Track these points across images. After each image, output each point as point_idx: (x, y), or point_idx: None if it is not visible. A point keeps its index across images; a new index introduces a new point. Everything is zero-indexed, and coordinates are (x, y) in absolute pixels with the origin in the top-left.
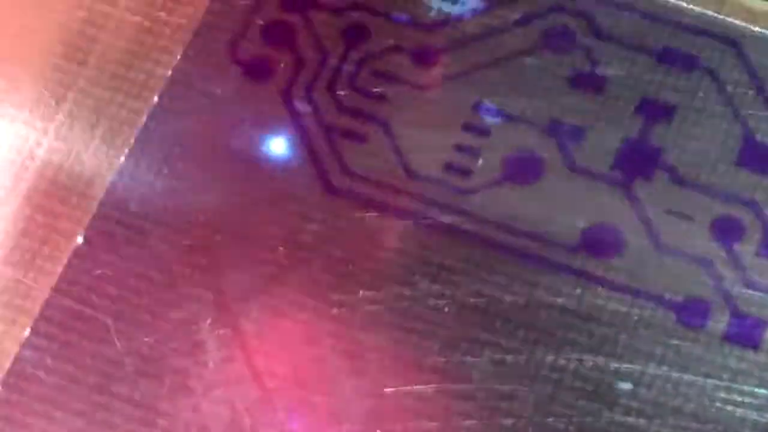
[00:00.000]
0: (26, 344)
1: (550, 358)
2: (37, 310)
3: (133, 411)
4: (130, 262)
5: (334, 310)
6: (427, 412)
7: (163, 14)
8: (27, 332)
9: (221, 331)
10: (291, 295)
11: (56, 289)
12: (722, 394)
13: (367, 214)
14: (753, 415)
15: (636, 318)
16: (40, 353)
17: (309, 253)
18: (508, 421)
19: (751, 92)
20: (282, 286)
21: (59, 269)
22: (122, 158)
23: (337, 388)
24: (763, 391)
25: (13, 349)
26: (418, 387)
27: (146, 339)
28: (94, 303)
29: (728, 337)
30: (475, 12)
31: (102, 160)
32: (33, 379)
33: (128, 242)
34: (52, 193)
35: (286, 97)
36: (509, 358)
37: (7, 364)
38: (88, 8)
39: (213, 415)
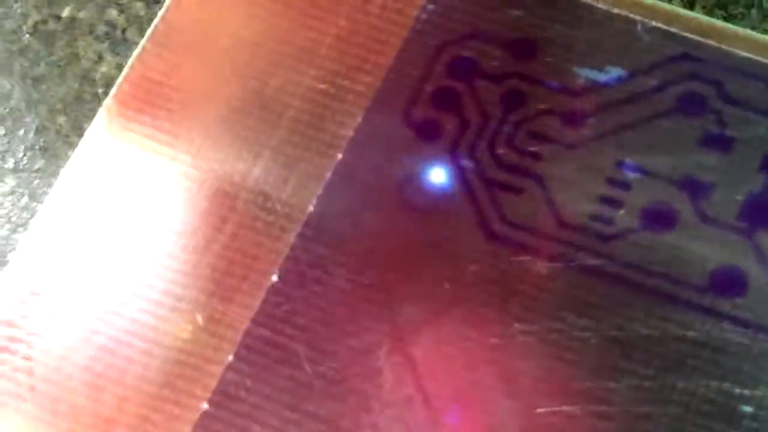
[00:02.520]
0: (229, 368)
1: (681, 384)
2: (238, 338)
3: (320, 426)
4: (317, 298)
5: (493, 341)
6: (573, 430)
7: (347, 82)
8: (230, 357)
9: (396, 359)
10: (455, 326)
11: (254, 321)
12: None
13: (522, 257)
14: None
15: (758, 350)
16: (241, 376)
17: (471, 290)
18: None
19: None
20: (448, 318)
21: (257, 303)
22: (311, 208)
23: (494, 408)
24: None
25: (218, 372)
26: (565, 408)
27: (332, 365)
28: (287, 333)
29: None
30: (618, 80)
31: (293, 210)
32: (235, 398)
33: (316, 281)
34: (250, 239)
35: (453, 154)
36: (645, 383)
37: (213, 385)
38: (283, 77)
39: (389, 431)
